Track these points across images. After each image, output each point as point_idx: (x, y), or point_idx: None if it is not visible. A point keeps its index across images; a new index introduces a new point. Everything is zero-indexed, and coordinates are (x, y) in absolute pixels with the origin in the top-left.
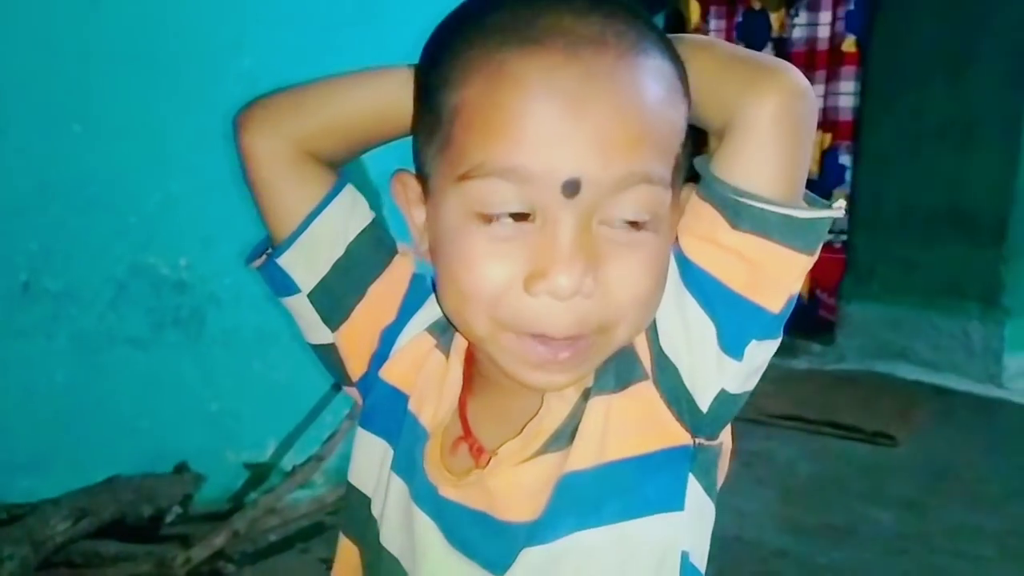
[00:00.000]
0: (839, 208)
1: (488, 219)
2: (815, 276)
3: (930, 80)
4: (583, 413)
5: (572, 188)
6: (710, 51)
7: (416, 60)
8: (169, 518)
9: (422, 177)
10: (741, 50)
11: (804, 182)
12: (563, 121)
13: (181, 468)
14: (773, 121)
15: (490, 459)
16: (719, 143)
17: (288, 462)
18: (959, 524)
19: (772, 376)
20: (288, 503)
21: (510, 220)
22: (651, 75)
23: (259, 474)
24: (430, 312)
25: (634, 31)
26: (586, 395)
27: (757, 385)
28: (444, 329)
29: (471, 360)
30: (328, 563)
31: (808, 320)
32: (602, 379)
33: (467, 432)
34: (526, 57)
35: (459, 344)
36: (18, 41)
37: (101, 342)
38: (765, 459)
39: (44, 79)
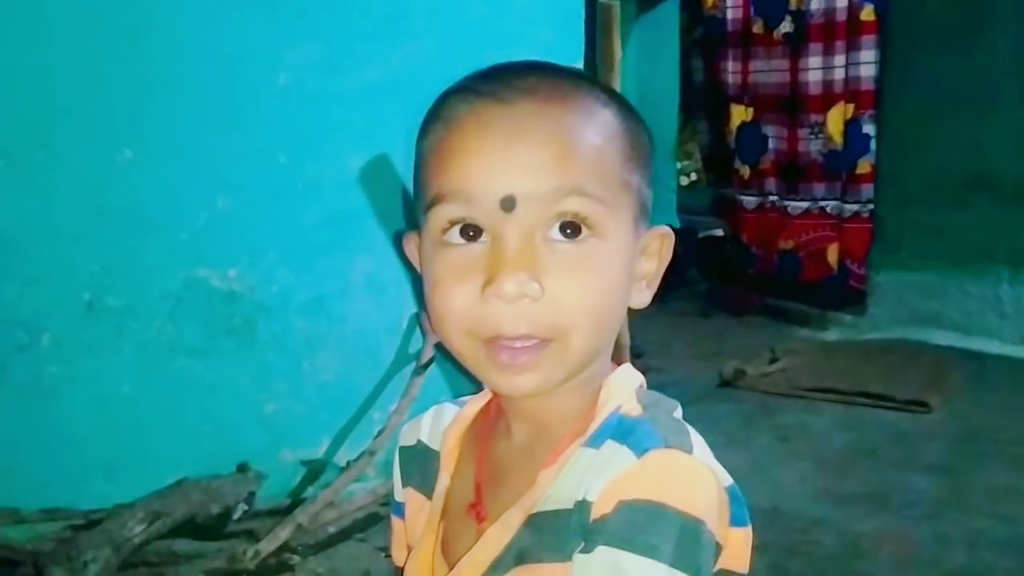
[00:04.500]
0: None
1: (448, 244)
2: (844, 247)
3: (947, 45)
4: (525, 538)
5: (509, 203)
6: None
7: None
8: (236, 515)
9: (418, 232)
10: None
11: None
12: (495, 151)
13: (243, 468)
14: None
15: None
16: None
17: (341, 458)
18: (995, 486)
19: (805, 349)
20: (344, 496)
21: (464, 242)
22: (578, 114)
23: (315, 470)
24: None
25: (569, 85)
26: (530, 521)
27: (790, 360)
28: (421, 469)
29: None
30: (385, 550)
31: (839, 291)
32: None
33: (479, 498)
34: (465, 104)
35: (445, 450)
36: (68, 75)
37: (162, 353)
38: (800, 432)
39: (94, 109)
